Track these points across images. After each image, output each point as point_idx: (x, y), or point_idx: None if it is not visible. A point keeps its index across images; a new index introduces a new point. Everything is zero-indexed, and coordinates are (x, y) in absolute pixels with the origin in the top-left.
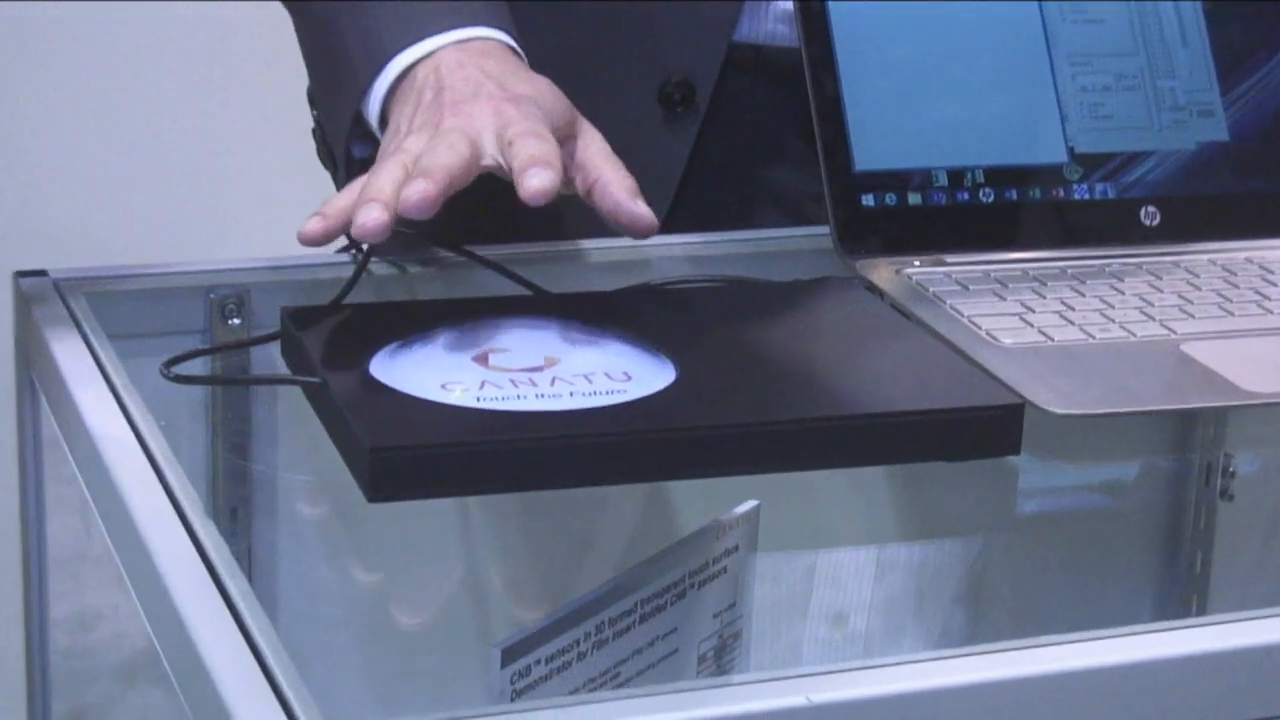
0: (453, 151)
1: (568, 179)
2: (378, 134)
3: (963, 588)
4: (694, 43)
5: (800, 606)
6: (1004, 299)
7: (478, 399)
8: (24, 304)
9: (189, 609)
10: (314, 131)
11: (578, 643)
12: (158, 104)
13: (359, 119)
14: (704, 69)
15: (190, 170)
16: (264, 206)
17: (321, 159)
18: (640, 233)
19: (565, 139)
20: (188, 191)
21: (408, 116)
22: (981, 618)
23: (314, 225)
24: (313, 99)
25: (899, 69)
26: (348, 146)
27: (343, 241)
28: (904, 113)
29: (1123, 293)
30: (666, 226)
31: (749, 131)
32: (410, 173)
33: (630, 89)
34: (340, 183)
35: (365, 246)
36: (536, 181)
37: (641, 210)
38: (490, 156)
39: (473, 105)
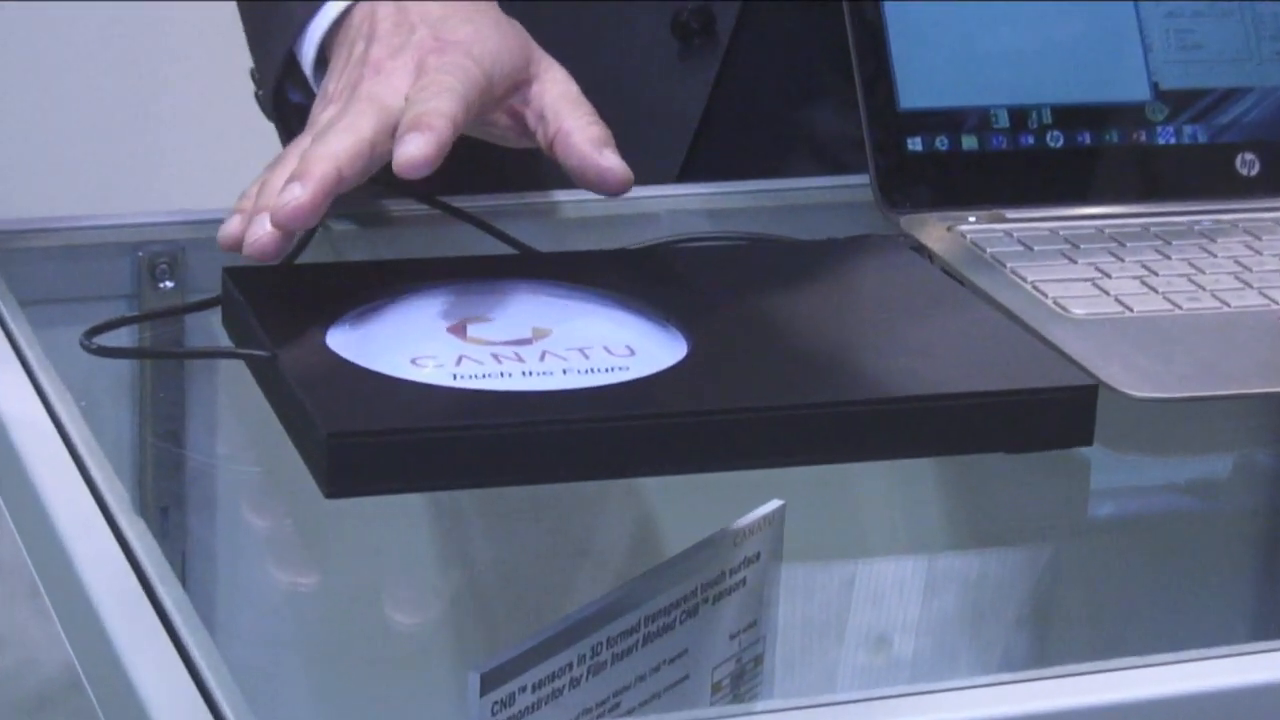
0: (349, 134)
1: (528, 131)
2: (312, 83)
3: (1026, 604)
4: None
5: (833, 626)
6: (1074, 262)
7: (454, 376)
8: None
9: (115, 622)
10: (250, 72)
11: (570, 666)
12: (82, 37)
13: (293, 62)
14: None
15: (116, 110)
16: (200, 151)
17: (260, 104)
18: (611, 190)
19: (519, 85)
20: (112, 134)
21: (336, 75)
22: (1048, 638)
23: (232, 226)
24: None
25: None
26: (282, 89)
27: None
28: (957, 41)
29: (1215, 255)
30: (684, 177)
31: (778, 66)
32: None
33: (640, 19)
34: (282, 136)
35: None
36: (407, 150)
37: (609, 163)
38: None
39: (395, 61)
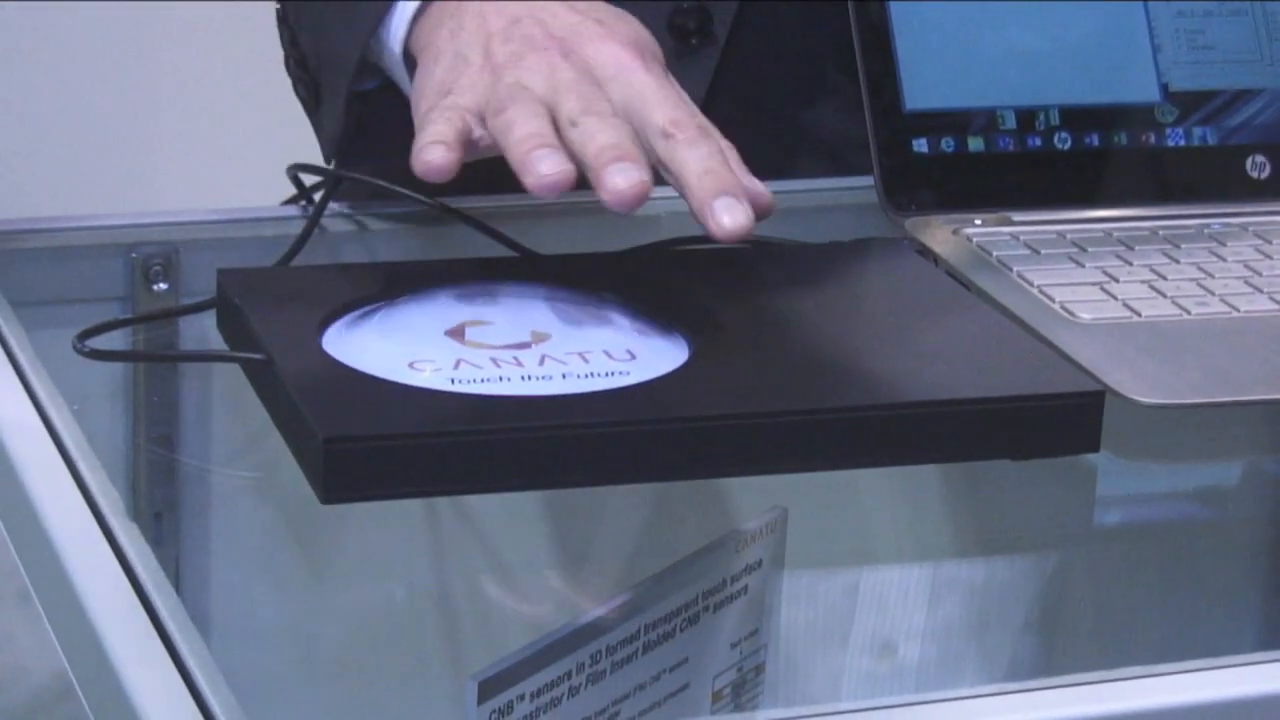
0: (535, 120)
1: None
2: (390, 69)
3: (1032, 611)
4: None
5: (836, 633)
6: (1082, 266)
7: (452, 380)
8: None
9: (108, 629)
10: (287, 61)
11: (569, 674)
12: (75, 36)
13: (369, 48)
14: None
15: (109, 110)
16: (194, 151)
17: (298, 92)
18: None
19: None
20: (105, 134)
21: (482, 38)
22: (1054, 647)
23: (438, 154)
24: (286, 19)
25: None
26: (352, 80)
27: (287, 191)
28: (963, 41)
29: (1225, 259)
30: None
31: (777, 65)
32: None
33: (636, 15)
34: (323, 124)
35: (316, 196)
36: (737, 221)
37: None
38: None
39: (590, 47)
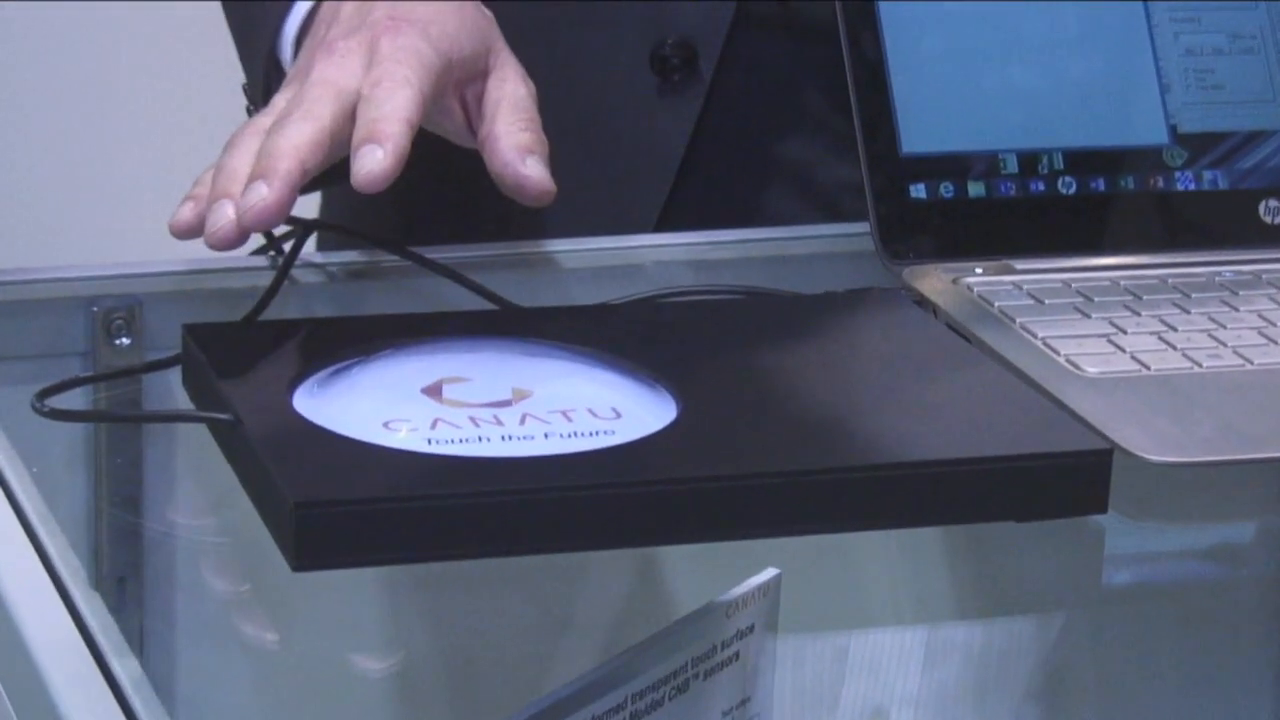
0: (308, 122)
1: (470, 131)
2: None
3: (1036, 679)
4: None
5: (832, 702)
6: (1088, 317)
7: (429, 441)
8: None
9: (68, 702)
10: (243, 87)
11: None
12: (33, 75)
13: (276, 68)
14: (709, 25)
15: (70, 155)
16: (159, 199)
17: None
18: (528, 199)
19: (476, 75)
20: (66, 180)
21: (299, 58)
22: (1061, 714)
23: (186, 213)
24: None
25: (957, 29)
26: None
27: (255, 242)
28: (963, 82)
29: (1237, 309)
30: (665, 217)
31: (766, 102)
32: (256, 160)
33: (616, 52)
34: None
35: (286, 248)
36: (365, 164)
37: (528, 173)
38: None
39: (349, 41)
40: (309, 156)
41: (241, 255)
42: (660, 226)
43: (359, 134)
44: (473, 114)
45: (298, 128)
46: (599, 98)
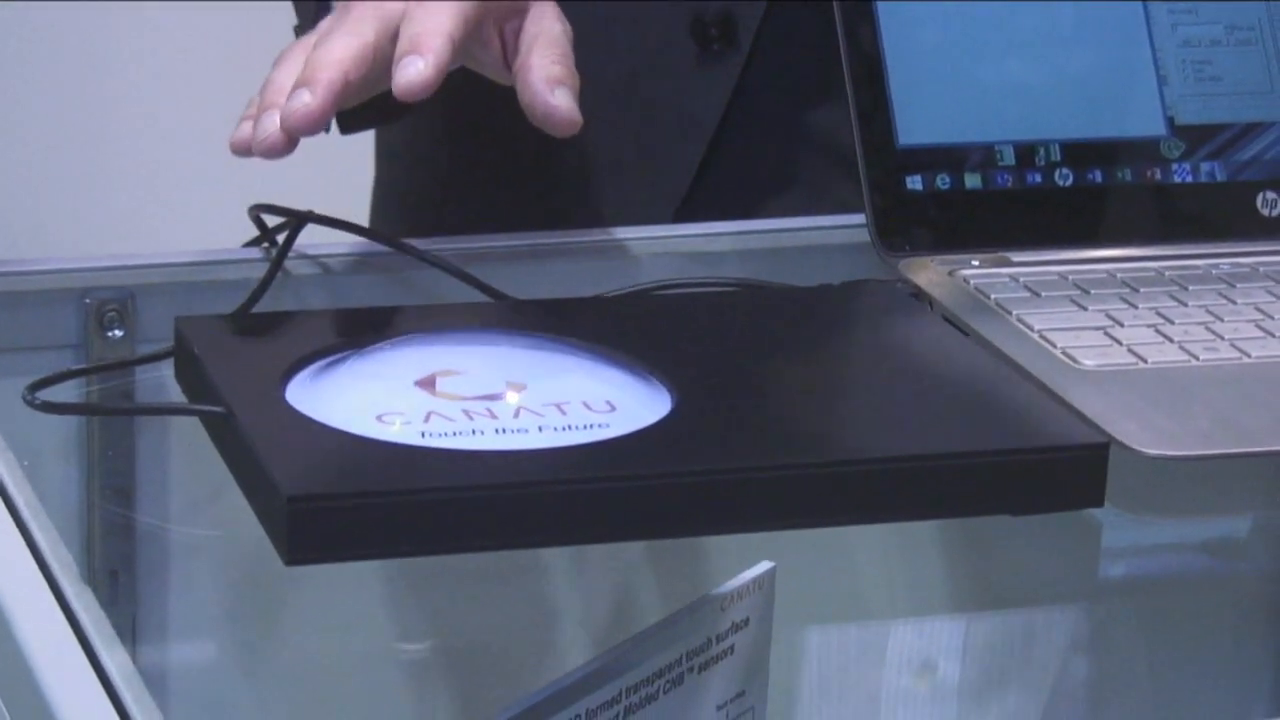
0: (353, 37)
1: (505, 66)
2: None
3: (1033, 672)
4: None
5: (827, 695)
6: (1085, 309)
7: (422, 434)
8: None
9: (60, 696)
10: (295, 29)
11: None
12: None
13: (326, 9)
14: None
15: (62, 146)
16: (151, 191)
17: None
18: (554, 129)
19: (512, 14)
20: (58, 172)
21: None
22: (1056, 709)
23: (243, 130)
24: None
25: (953, 20)
26: None
27: (248, 233)
28: (959, 74)
29: (1235, 302)
30: (697, 191)
31: (804, 74)
32: (301, 70)
33: (657, 20)
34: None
35: (280, 238)
36: (406, 73)
37: (556, 103)
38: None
39: None
40: (352, 68)
41: (234, 248)
42: (693, 193)
43: (401, 47)
44: (509, 49)
45: (342, 41)
46: (638, 63)
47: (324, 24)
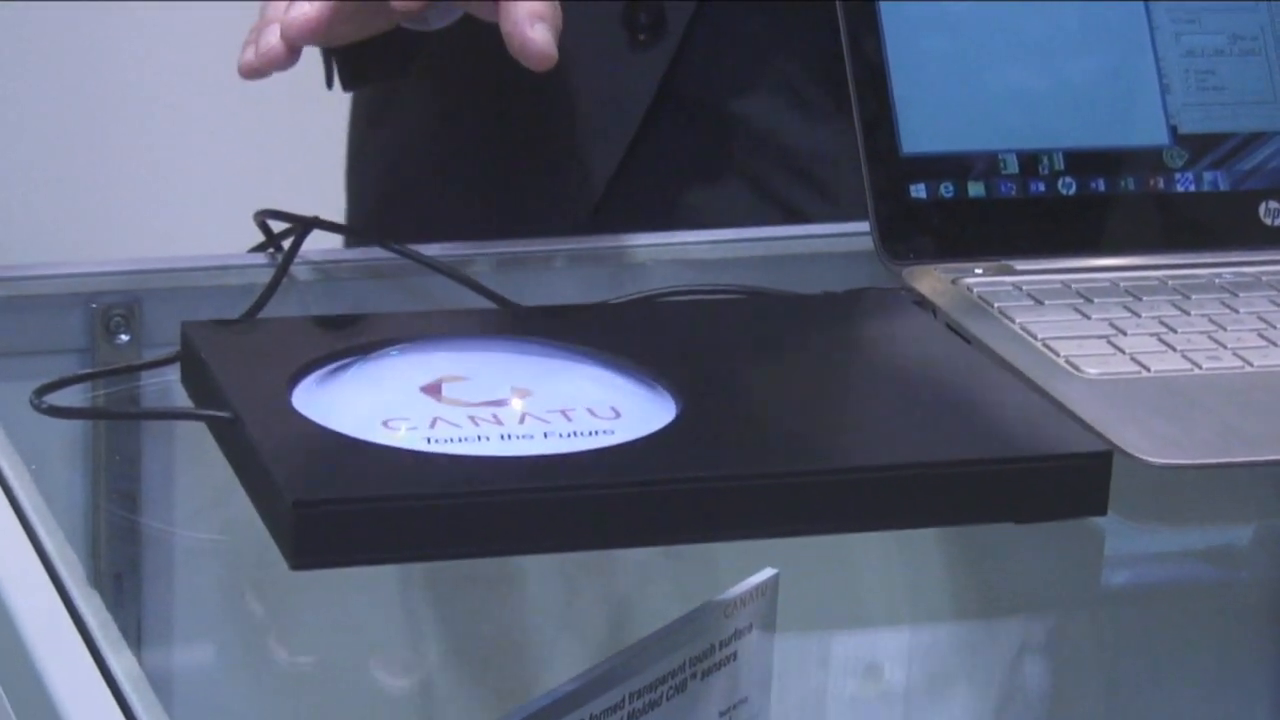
0: None
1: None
2: None
3: (1035, 680)
4: None
5: (830, 702)
6: (1088, 317)
7: (428, 440)
8: None
9: (66, 698)
10: None
11: None
12: (30, 74)
13: None
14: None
15: (69, 151)
16: (158, 196)
17: None
18: (529, 62)
19: None
20: (65, 177)
21: None
22: (1059, 717)
23: (247, 54)
24: None
25: (958, 28)
26: None
27: (254, 239)
28: (963, 83)
29: (1237, 310)
30: (626, 171)
31: (737, 67)
32: None
33: (592, 9)
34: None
35: (286, 244)
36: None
37: (534, 36)
38: None
39: None
40: None
41: (240, 252)
42: (619, 179)
43: None
44: None
45: None
46: (569, 48)
47: None
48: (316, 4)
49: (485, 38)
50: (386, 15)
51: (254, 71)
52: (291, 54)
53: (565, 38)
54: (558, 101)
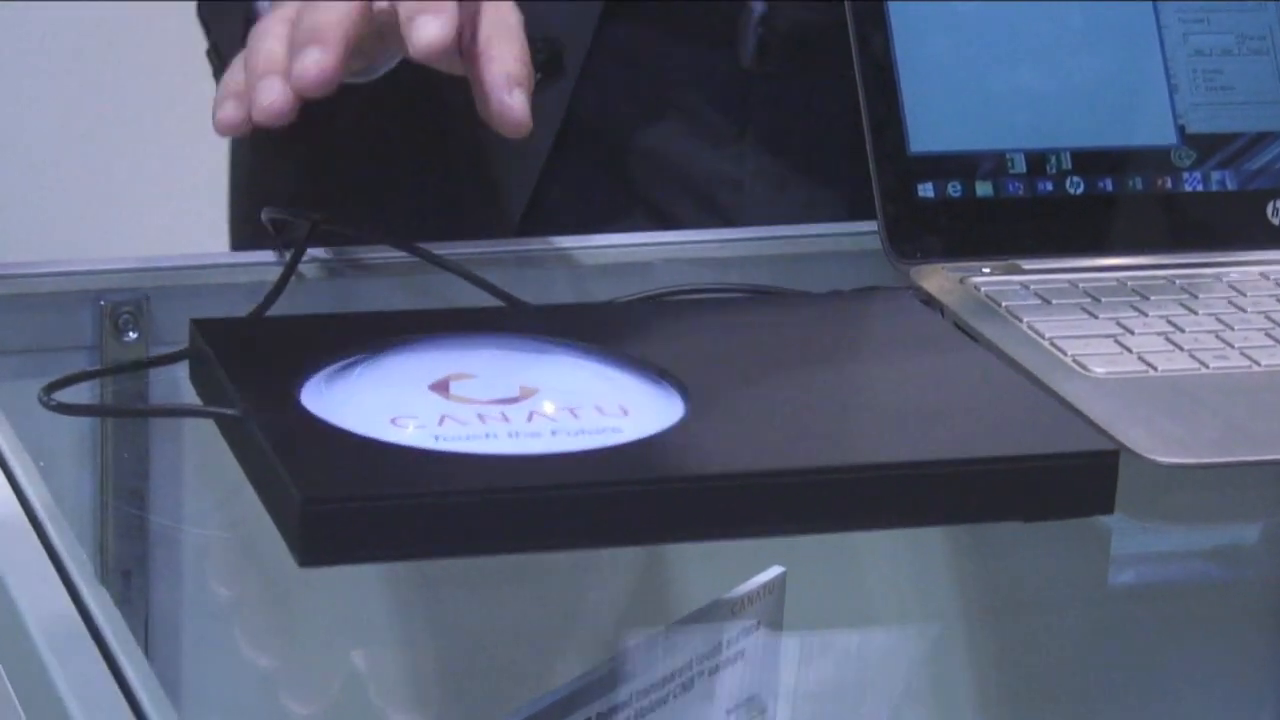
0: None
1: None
2: None
3: (1042, 678)
4: None
5: (837, 700)
6: (1095, 317)
7: (436, 438)
8: None
9: (74, 694)
10: (208, 53)
11: None
12: (36, 72)
13: (253, 18)
14: (577, 21)
15: (77, 148)
16: (165, 195)
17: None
18: (504, 129)
19: None
20: (73, 175)
21: None
22: (1064, 716)
23: (229, 109)
24: (203, 14)
25: (966, 28)
26: None
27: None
28: (971, 82)
29: (1245, 310)
30: (533, 209)
31: (638, 99)
32: (296, 34)
33: None
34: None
35: (294, 242)
36: (425, 33)
37: (512, 103)
38: None
39: None
40: (352, 28)
41: (249, 251)
42: (530, 214)
43: (408, 5)
44: (465, 34)
45: (333, 4)
46: (467, 98)
47: (286, 8)
48: (332, 49)
49: (402, 86)
50: (383, 59)
51: (238, 126)
52: (297, 107)
53: (459, 83)
54: (461, 151)
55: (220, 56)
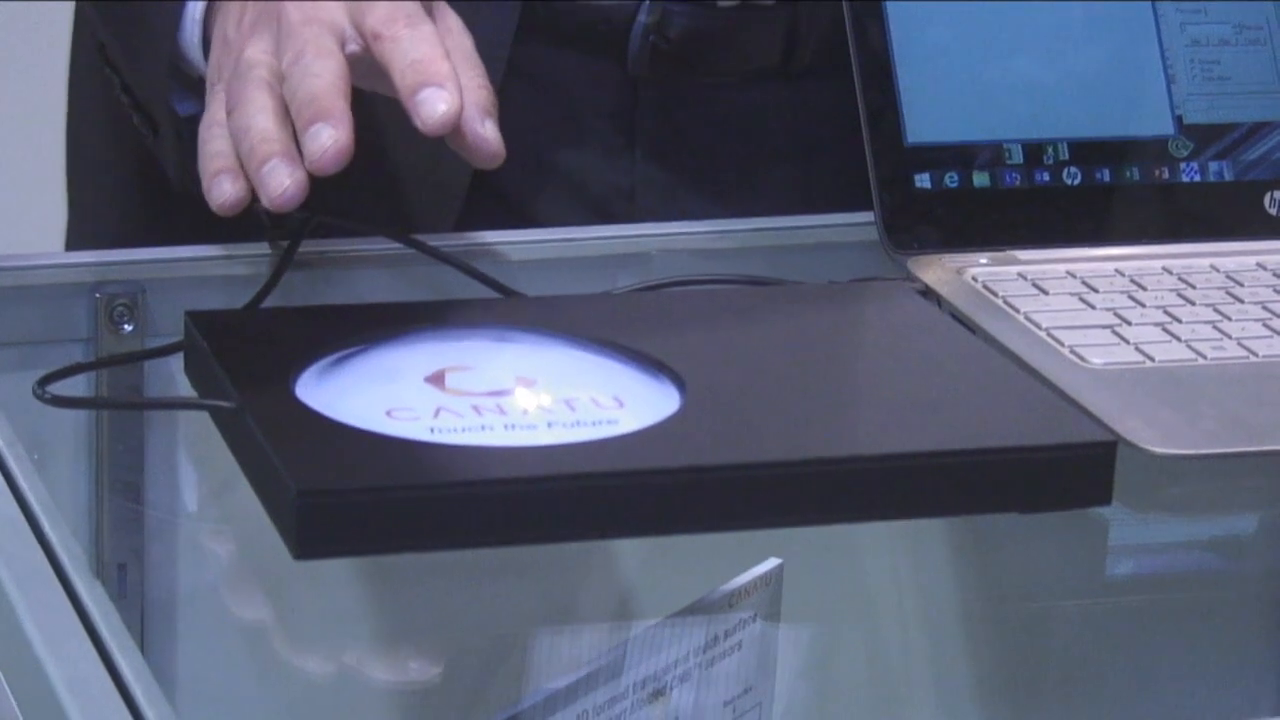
0: (330, 58)
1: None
2: (204, 70)
3: (1040, 669)
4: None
5: (834, 691)
6: (1092, 307)
7: (431, 430)
8: None
9: (69, 688)
10: (119, 96)
11: None
12: (36, 59)
13: (177, 61)
14: (492, 36)
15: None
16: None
17: (137, 126)
18: (479, 161)
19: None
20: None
21: (234, 20)
22: (1063, 707)
23: (227, 189)
24: (107, 54)
25: (962, 18)
26: (169, 103)
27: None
28: (968, 73)
29: (1242, 300)
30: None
31: (550, 118)
32: (288, 99)
33: None
34: (164, 149)
35: (290, 234)
36: (436, 112)
37: (486, 135)
38: (353, 41)
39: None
40: (348, 88)
41: (245, 242)
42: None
43: (411, 78)
44: None
45: (324, 64)
46: (389, 127)
47: (255, 53)
48: (342, 125)
49: None
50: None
51: (240, 205)
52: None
53: (386, 106)
54: (380, 176)
55: (134, 100)
